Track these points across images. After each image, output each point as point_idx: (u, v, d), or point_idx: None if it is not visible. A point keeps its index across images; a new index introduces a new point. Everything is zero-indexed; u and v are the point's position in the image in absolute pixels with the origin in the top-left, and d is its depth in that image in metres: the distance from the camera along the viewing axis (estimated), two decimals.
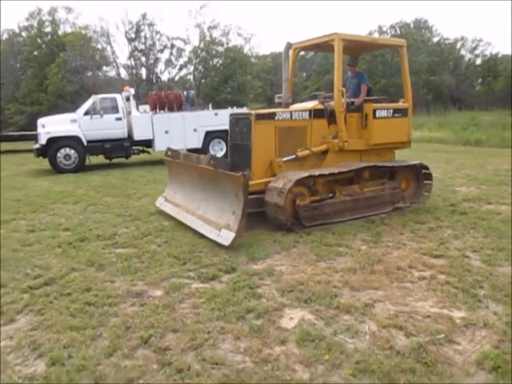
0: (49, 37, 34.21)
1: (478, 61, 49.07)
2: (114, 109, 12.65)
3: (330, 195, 5.93)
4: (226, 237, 4.71)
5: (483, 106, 37.29)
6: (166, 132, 12.91)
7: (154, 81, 30.99)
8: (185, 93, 13.68)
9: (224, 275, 4.07)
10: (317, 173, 5.69)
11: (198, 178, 5.84)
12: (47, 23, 34.33)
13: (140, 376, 2.51)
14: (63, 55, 29.15)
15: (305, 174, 5.58)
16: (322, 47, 6.75)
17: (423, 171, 6.82)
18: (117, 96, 13.03)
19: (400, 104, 6.87)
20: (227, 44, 30.88)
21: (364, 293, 3.63)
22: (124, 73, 32.19)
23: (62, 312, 3.36)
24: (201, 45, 30.45)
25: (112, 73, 33.12)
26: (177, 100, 13.22)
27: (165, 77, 33.38)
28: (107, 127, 12.47)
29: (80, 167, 12.30)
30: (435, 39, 42.47)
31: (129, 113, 13.02)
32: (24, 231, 5.97)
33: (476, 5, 74.77)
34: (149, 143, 13.22)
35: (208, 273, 4.09)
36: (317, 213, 5.61)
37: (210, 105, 14.85)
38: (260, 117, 5.78)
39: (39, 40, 32.85)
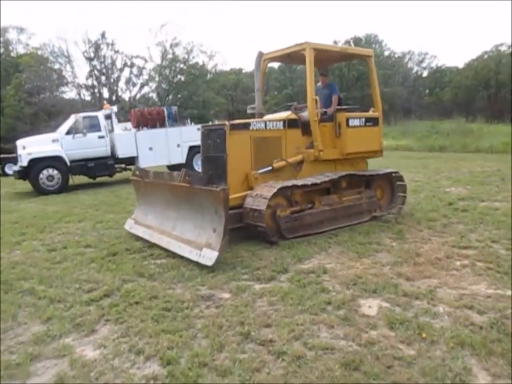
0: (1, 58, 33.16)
1: (425, 73, 52.12)
2: (96, 127, 12.52)
3: (310, 205, 5.83)
4: (209, 257, 4.43)
5: (432, 115, 39.49)
6: (150, 149, 12.90)
7: (116, 100, 30.56)
8: (166, 109, 13.68)
9: (280, 275, 4.24)
10: (309, 182, 5.70)
11: (170, 197, 5.51)
12: None
13: (264, 365, 2.64)
14: (19, 76, 28.25)
15: (300, 182, 5.62)
16: (293, 57, 6.64)
17: (397, 179, 6.90)
18: (99, 114, 12.92)
19: (371, 114, 6.87)
20: (189, 61, 31.10)
21: (420, 281, 3.92)
22: (83, 94, 31.57)
23: (143, 319, 3.40)
24: (164, 63, 30.49)
25: (71, 94, 32.44)
26: (160, 116, 13.25)
27: (126, 96, 33.13)
28: (90, 145, 12.32)
29: (64, 188, 12.03)
30: (386, 53, 44.62)
31: (110, 131, 12.90)
32: (44, 251, 5.85)
33: (421, 20, 79.85)
34: (132, 161, 13.12)
35: (264, 274, 4.25)
36: (298, 224, 5.51)
37: (189, 120, 14.97)
38: (234, 127, 5.59)
39: None
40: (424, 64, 51.67)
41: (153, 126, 13.26)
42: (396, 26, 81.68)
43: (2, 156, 19.38)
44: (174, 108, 13.84)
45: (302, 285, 3.90)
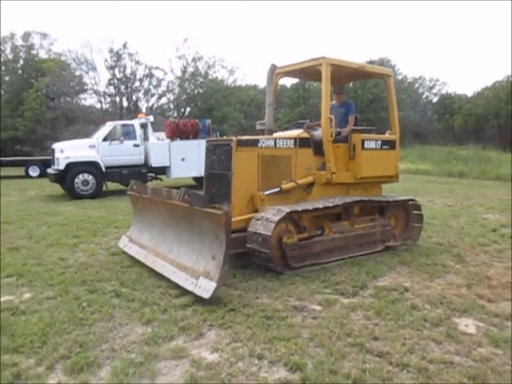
0: (21, 62, 33.70)
1: (435, 99, 52.77)
2: (132, 135, 12.78)
3: (319, 232, 5.42)
4: (205, 288, 4.00)
5: (442, 141, 39.91)
6: (183, 159, 13.13)
7: (135, 110, 30.91)
8: (200, 121, 13.94)
9: (363, 291, 4.39)
10: (321, 205, 5.25)
11: (168, 216, 5.14)
12: (21, 48, 33.84)
13: (393, 376, 2.77)
14: (42, 80, 28.67)
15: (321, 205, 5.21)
16: (308, 73, 6.33)
17: (413, 208, 6.44)
18: (135, 122, 13.18)
19: (388, 136, 6.54)
20: (211, 75, 31.62)
21: (502, 304, 4.06)
22: (103, 101, 31.93)
23: (249, 326, 3.53)
24: (186, 76, 30.95)
25: (91, 100, 32.83)
26: (194, 128, 13.49)
27: (142, 105, 33.44)
28: (125, 153, 12.56)
29: (98, 193, 12.22)
30: (399, 77, 45.25)
31: (145, 139, 13.15)
32: (107, 254, 5.99)
33: (434, 47, 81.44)
34: (163, 170, 13.34)
35: (346, 289, 4.39)
36: (306, 252, 5.06)
37: (218, 133, 15.21)
38: (241, 143, 5.20)
39: (14, 65, 32.23)
40: (434, 90, 52.41)
41: (187, 137, 13.49)
42: (409, 52, 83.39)
43: (27, 158, 19.60)
44: (208, 121, 14.06)
45: (390, 301, 4.05)
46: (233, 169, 5.12)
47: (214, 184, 5.49)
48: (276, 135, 5.95)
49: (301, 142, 5.74)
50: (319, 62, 5.76)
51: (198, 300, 4.13)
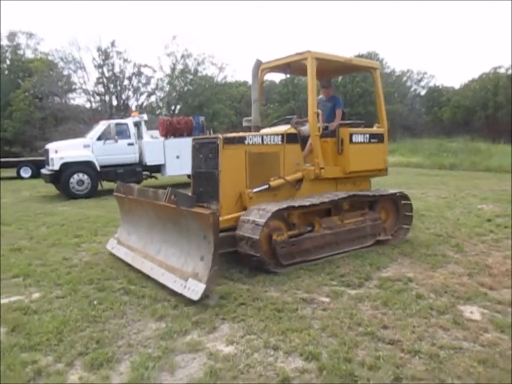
0: (8, 62, 33.28)
1: (423, 92, 53.18)
2: (126, 134, 12.76)
3: (309, 228, 5.35)
4: (194, 289, 3.97)
5: (431, 133, 40.29)
6: (177, 157, 13.14)
7: (123, 108, 30.76)
8: (194, 118, 13.95)
9: (368, 282, 4.49)
10: (317, 201, 5.24)
11: (155, 217, 5.06)
12: (6, 48, 33.41)
13: (406, 362, 2.88)
14: (31, 81, 28.37)
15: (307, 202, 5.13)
16: (293, 67, 6.28)
17: (403, 200, 6.36)
18: (128, 121, 13.15)
19: (376, 129, 6.55)
20: (201, 72, 31.58)
21: (504, 291, 4.19)
22: (92, 100, 31.70)
23: (261, 319, 3.61)
24: (175, 73, 30.86)
25: (80, 100, 32.61)
26: (188, 126, 13.50)
27: (132, 104, 33.27)
28: (120, 152, 12.54)
29: (93, 193, 12.22)
30: (387, 71, 45.54)
31: (139, 138, 13.15)
32: (111, 253, 6.00)
33: (421, 40, 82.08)
34: (158, 168, 13.36)
35: (351, 281, 4.50)
36: (296, 249, 5.00)
37: (211, 131, 15.22)
38: (228, 140, 5.13)
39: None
40: (422, 83, 52.82)
41: (181, 135, 13.51)
42: (396, 45, 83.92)
43: (19, 159, 19.45)
44: (201, 118, 14.08)
45: (395, 291, 4.15)
46: (221, 167, 5.06)
47: (202, 183, 5.45)
48: (263, 131, 5.91)
49: (289, 138, 5.68)
50: (304, 56, 5.73)
51: (207, 295, 4.18)
